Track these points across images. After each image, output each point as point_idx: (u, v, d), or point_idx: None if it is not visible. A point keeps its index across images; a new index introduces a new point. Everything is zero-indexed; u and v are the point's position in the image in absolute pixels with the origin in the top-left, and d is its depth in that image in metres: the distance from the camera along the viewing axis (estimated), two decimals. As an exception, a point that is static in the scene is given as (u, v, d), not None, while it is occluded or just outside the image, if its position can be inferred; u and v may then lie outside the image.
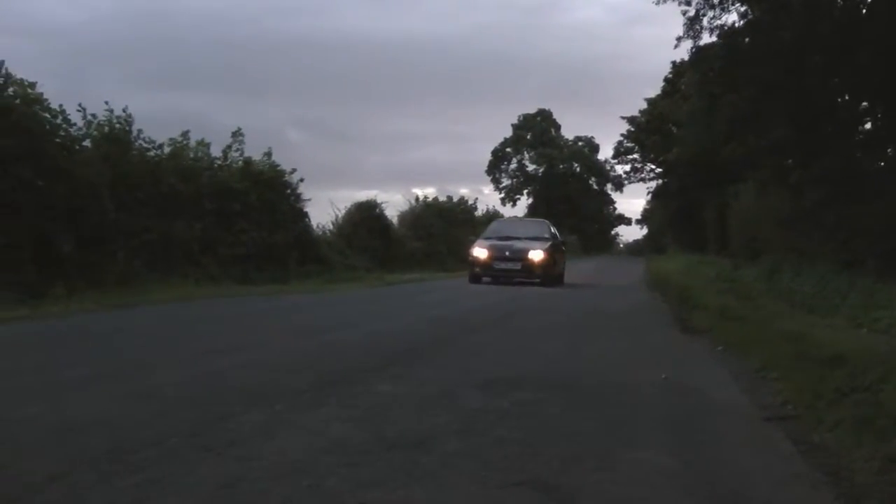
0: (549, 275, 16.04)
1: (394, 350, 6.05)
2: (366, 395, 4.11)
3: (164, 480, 2.64)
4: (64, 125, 11.81)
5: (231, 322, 8.16)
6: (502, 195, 68.44)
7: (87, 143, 12.60)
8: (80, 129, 12.46)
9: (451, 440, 3.23)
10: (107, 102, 13.12)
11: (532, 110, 69.26)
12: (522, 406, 3.99)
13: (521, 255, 16.01)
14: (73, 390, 4.11)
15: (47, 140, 11.28)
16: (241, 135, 16.11)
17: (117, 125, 13.02)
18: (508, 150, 69.65)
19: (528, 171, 70.15)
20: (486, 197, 61.80)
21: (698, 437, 3.50)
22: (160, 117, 46.74)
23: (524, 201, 68.20)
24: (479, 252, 16.39)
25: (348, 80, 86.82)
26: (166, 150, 14.31)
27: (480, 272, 16.24)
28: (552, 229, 18.45)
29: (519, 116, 69.18)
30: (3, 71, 11.03)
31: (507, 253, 16.08)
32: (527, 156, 69.76)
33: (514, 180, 70.12)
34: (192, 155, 15.00)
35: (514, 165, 70.37)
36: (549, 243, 16.73)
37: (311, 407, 3.81)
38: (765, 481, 2.87)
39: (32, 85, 11.31)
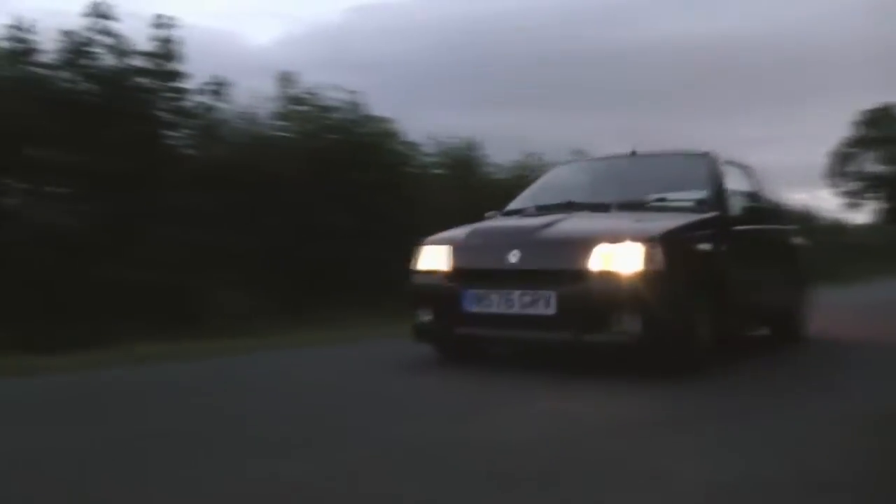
0: (668, 324, 4.53)
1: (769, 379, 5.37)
2: (747, 431, 3.53)
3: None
4: (416, 156, 12.52)
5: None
6: (846, 201, 62.04)
7: (437, 170, 13.25)
8: (430, 156, 13.14)
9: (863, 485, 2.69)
10: (455, 129, 13.77)
11: (868, 104, 62.29)
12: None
13: (563, 261, 4.64)
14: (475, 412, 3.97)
15: (402, 171, 11.98)
16: (583, 153, 16.26)
17: (465, 151, 13.56)
18: (851, 150, 63.17)
19: (873, 173, 63.16)
20: (828, 204, 56.43)
21: None
22: (485, 137, 49.03)
23: (871, 207, 61.44)
24: (432, 258, 5.52)
25: (670, 86, 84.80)
26: (510, 171, 14.69)
27: (436, 325, 5.28)
28: (726, 174, 5.77)
29: (862, 112, 62.49)
30: (363, 110, 11.87)
31: (511, 257, 4.82)
32: (871, 156, 62.90)
33: (858, 183, 63.34)
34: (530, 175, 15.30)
35: (856, 167, 63.71)
36: (690, 217, 5.08)
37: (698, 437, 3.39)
38: None
39: (387, 120, 12.08)
